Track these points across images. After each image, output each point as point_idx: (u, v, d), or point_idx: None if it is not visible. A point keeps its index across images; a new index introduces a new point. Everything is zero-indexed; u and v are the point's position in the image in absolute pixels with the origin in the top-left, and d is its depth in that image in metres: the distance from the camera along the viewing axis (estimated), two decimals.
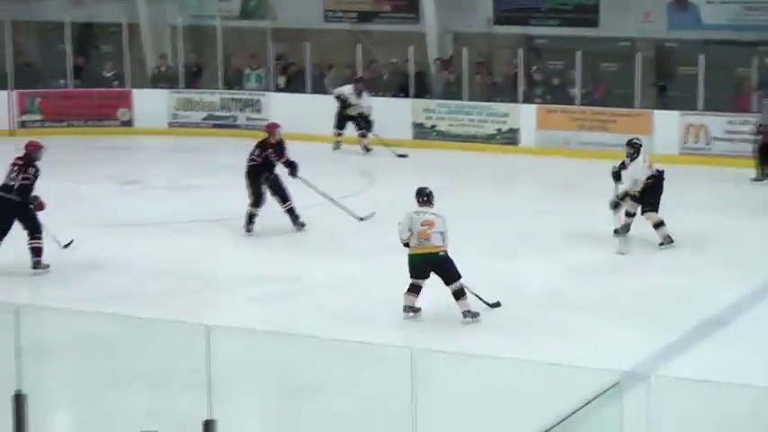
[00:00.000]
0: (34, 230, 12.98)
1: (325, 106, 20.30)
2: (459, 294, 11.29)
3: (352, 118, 20.03)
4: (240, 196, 14.93)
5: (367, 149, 19.93)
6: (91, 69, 22.57)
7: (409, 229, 11.38)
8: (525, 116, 20.28)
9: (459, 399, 9.01)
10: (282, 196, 14.83)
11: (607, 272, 13.26)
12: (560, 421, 6.44)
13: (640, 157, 14.16)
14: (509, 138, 20.41)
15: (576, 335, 11.02)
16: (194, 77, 22.37)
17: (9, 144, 20.89)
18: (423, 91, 21.28)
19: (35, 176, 13.14)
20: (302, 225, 14.87)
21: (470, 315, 11.26)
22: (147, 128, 21.90)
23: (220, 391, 6.89)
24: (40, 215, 13.13)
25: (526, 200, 16.98)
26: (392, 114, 20.50)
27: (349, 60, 21.53)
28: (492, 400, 8.77)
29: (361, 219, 15.15)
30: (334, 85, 21.07)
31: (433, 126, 20.87)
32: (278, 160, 14.90)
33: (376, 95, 20.66)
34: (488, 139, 20.51)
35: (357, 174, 18.71)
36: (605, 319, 11.52)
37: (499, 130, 20.47)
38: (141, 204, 16.58)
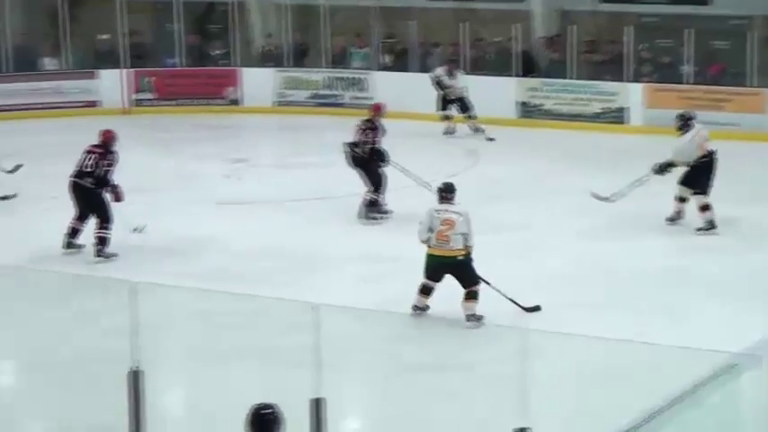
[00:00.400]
0: (104, 220, 12.90)
1: (430, 85, 20.21)
2: (470, 296, 10.64)
3: (451, 101, 19.84)
4: (344, 175, 14.81)
5: (476, 129, 19.69)
6: (201, 48, 22.75)
7: (429, 228, 10.73)
8: (633, 95, 19.95)
9: (571, 379, 8.91)
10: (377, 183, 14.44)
11: (718, 252, 12.98)
12: (675, 403, 6.31)
13: (689, 133, 13.79)
14: (616, 116, 20.10)
15: (688, 315, 10.82)
16: (300, 56, 22.40)
17: (123, 121, 21.31)
18: (528, 70, 21.03)
19: (114, 164, 13.12)
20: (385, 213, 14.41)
21: (474, 319, 10.61)
22: (253, 106, 22.00)
23: (330, 370, 6.85)
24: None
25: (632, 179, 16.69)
26: (497, 93, 20.30)
27: (454, 39, 21.36)
28: (605, 380, 8.66)
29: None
30: (439, 63, 20.94)
31: (539, 105, 20.63)
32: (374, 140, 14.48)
33: (480, 74, 20.48)
34: (594, 117, 20.22)
35: (462, 153, 18.60)
36: (719, 299, 11.27)
37: (606, 108, 20.17)
38: (248, 182, 16.66)
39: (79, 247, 12.90)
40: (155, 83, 22.08)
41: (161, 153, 18.50)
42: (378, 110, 14.93)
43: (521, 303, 10.80)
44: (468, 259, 10.69)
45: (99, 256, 12.77)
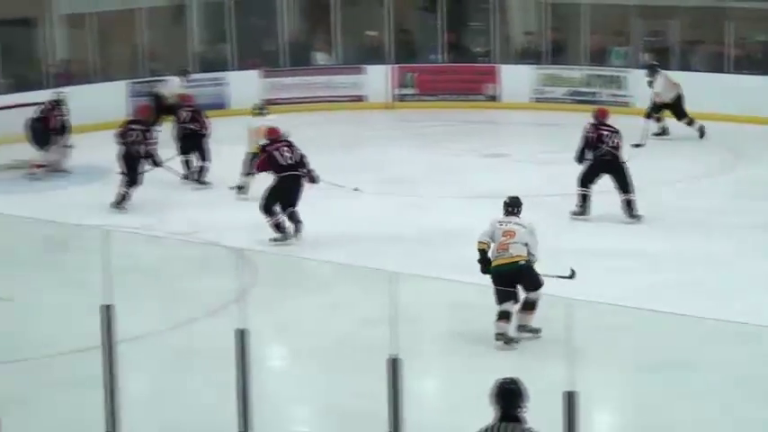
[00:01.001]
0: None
1: (690, 84, 19.73)
2: (530, 306, 10.08)
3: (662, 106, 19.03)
4: None
5: (701, 132, 18.84)
6: (461, 45, 22.91)
7: (491, 239, 10.28)
8: None
9: None
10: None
11: None
12: None
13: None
14: None
15: None
16: (558, 53, 22.24)
17: (386, 115, 21.74)
18: None
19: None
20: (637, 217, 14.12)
21: (528, 330, 10.10)
22: (511, 102, 22.01)
23: (581, 363, 6.80)
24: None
25: None
26: (764, 92, 19.58)
27: (717, 38, 20.74)
28: None
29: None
30: (700, 62, 20.41)
31: None
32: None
33: (745, 74, 19.83)
34: None
35: (723, 150, 18.10)
36: None
37: None
38: (505, 177, 16.67)
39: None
40: (417, 78, 22.40)
41: (420, 146, 18.76)
42: (603, 115, 14.71)
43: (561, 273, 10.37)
44: (530, 265, 10.14)
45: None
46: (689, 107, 19.02)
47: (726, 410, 8.66)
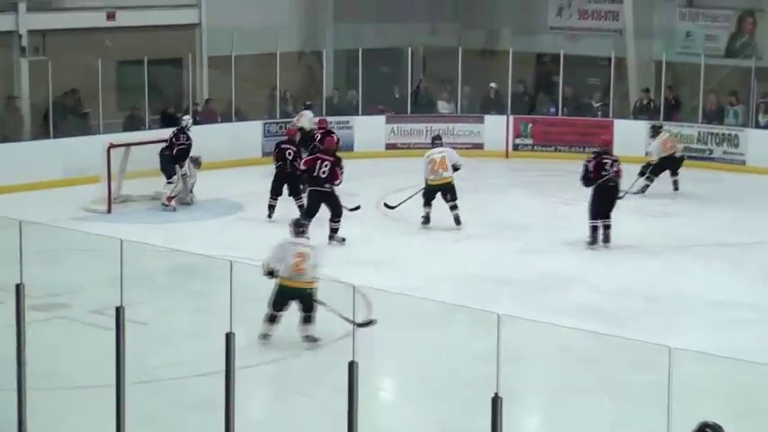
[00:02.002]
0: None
1: None
2: (308, 320, 10.87)
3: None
4: (708, 225, 15.07)
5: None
6: (578, 99, 22.86)
7: (280, 259, 10.83)
8: None
9: None
10: None
11: None
12: None
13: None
14: None
15: None
16: (672, 111, 22.00)
17: (504, 164, 21.78)
18: None
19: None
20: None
21: (311, 340, 10.84)
22: (623, 155, 21.70)
23: (679, 410, 6.75)
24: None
25: None
26: None
27: None
28: None
29: None
30: None
31: None
32: None
33: None
34: None
35: None
36: None
37: None
38: (616, 227, 16.53)
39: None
40: (533, 129, 22.42)
41: (534, 194, 18.76)
42: (607, 144, 16.06)
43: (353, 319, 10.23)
44: (314, 290, 10.83)
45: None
46: None
47: None
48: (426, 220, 16.04)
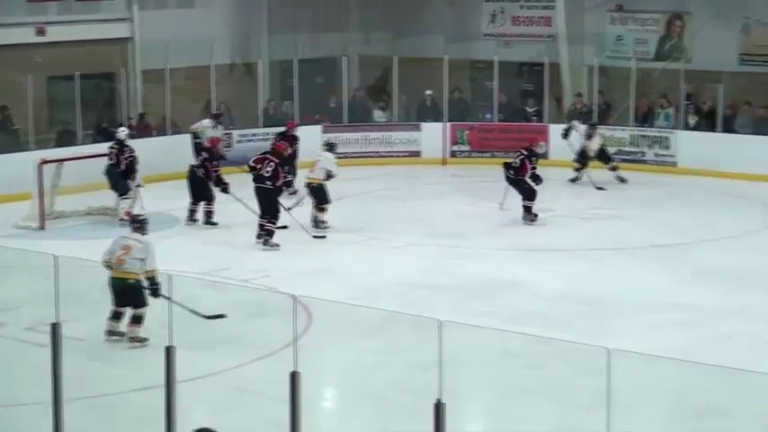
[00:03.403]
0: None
1: (735, 145, 19.77)
2: (136, 320, 11.08)
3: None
4: (642, 227, 15.42)
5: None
6: (513, 105, 22.99)
7: (111, 252, 11.18)
8: None
9: None
10: None
11: None
12: None
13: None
14: None
15: None
16: (604, 115, 22.20)
17: (441, 170, 21.83)
18: None
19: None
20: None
21: (136, 341, 11.04)
22: (559, 160, 21.99)
23: (620, 412, 6.79)
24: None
25: None
26: None
27: (764, 102, 20.67)
28: None
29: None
30: (746, 125, 20.52)
31: None
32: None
33: None
34: None
35: (762, 207, 18.03)
36: None
37: None
38: (550, 231, 16.68)
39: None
40: (470, 136, 22.50)
41: (472, 200, 18.83)
42: (534, 141, 17.71)
43: (202, 313, 10.63)
44: (138, 283, 11.00)
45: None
46: (735, 167, 19.50)
47: None
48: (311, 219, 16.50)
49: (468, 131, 22.47)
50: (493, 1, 24.45)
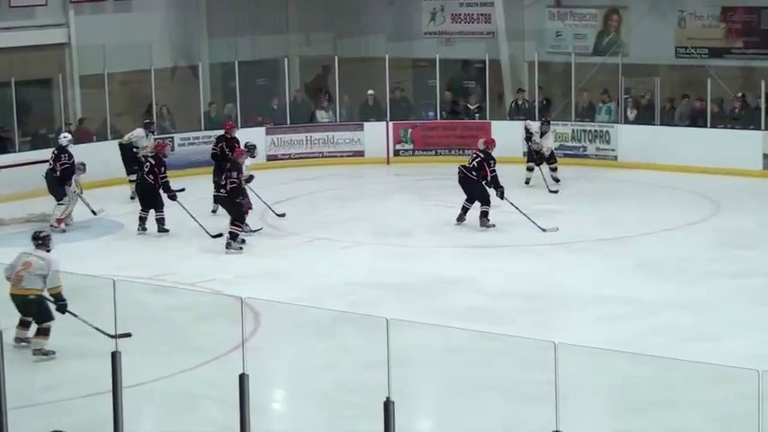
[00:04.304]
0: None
1: (673, 138, 20.01)
2: (41, 332, 10.93)
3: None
4: (583, 221, 15.55)
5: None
6: (455, 103, 23.07)
7: (12, 267, 10.96)
8: None
9: None
10: None
11: None
12: None
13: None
14: None
15: None
16: (546, 110, 22.35)
17: (385, 169, 21.88)
18: None
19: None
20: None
21: (41, 353, 10.86)
22: (504, 156, 22.09)
23: (567, 405, 6.87)
24: None
25: None
26: (740, 146, 19.93)
27: (699, 94, 20.96)
28: None
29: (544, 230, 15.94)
30: (684, 117, 20.84)
31: None
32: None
33: (725, 128, 20.21)
34: None
35: (700, 199, 18.27)
36: None
37: None
38: (496, 227, 16.74)
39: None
40: (413, 134, 22.57)
41: (416, 199, 18.89)
42: (490, 143, 17.19)
43: (106, 331, 10.22)
44: (40, 298, 10.83)
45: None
46: (671, 159, 19.87)
47: None
48: None
49: (411, 130, 22.54)
50: None
